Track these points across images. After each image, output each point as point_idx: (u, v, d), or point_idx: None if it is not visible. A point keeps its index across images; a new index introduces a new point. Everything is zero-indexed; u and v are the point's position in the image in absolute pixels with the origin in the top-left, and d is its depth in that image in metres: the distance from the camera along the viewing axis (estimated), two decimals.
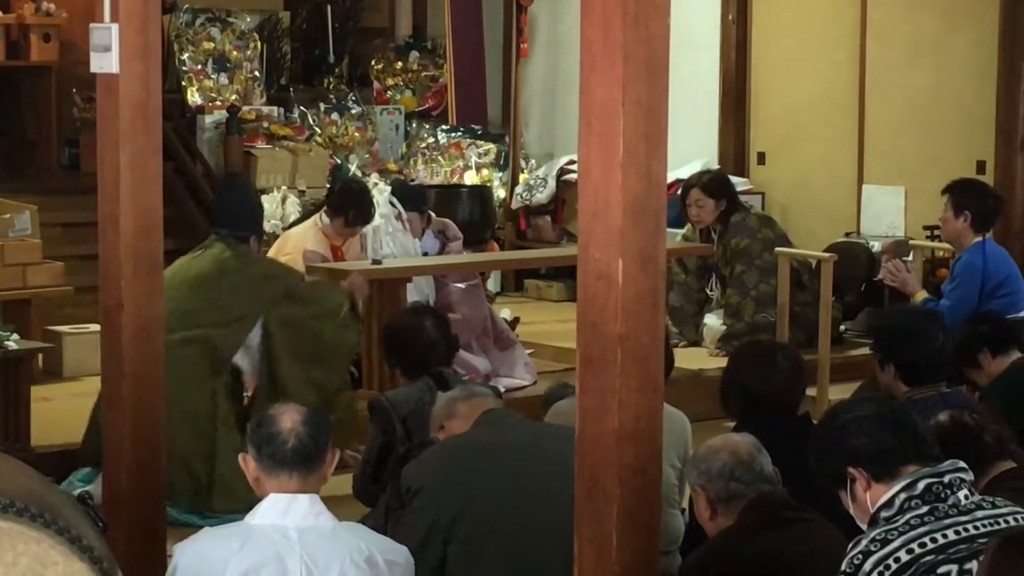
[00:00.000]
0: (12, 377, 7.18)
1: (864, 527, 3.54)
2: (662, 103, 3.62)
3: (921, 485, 3.49)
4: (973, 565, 3.34)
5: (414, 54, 12.81)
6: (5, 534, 2.96)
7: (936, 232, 8.98)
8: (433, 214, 9.14)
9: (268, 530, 3.78)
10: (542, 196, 11.84)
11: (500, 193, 11.99)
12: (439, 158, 12.04)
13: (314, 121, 11.64)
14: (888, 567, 3.36)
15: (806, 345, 8.55)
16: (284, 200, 10.36)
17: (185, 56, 11.69)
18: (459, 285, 8.55)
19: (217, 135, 11.18)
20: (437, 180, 11.86)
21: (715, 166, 10.85)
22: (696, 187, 9.39)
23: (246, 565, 3.72)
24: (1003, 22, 9.95)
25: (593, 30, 3.60)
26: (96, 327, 6.46)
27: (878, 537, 3.41)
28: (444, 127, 12.23)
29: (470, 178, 11.96)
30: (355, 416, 6.88)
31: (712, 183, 9.43)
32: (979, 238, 7.23)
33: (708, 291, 9.65)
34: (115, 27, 4.84)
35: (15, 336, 7.37)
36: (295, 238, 8.17)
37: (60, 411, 7.80)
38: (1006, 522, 3.45)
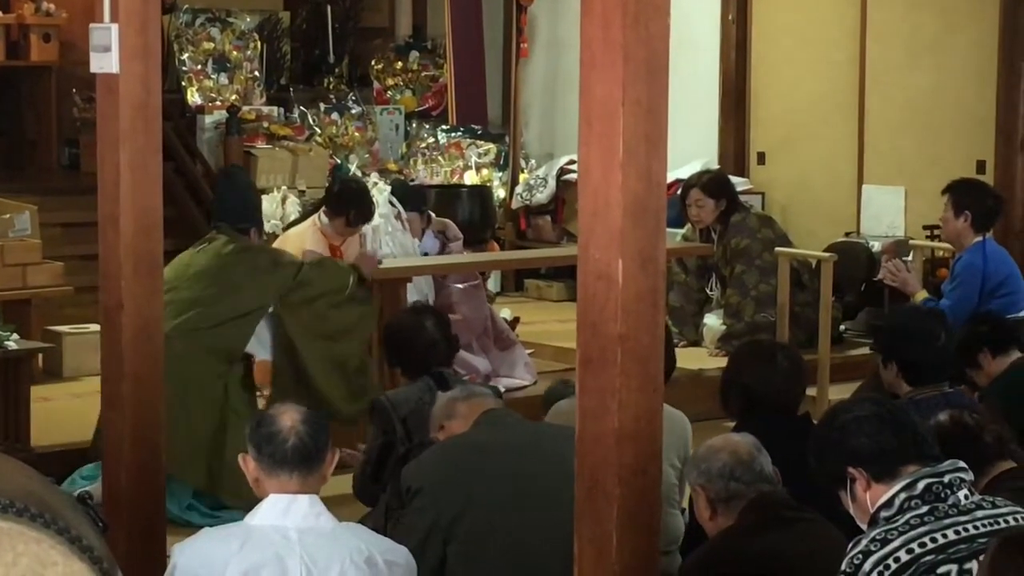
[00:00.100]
0: (12, 377, 7.18)
1: (864, 527, 3.54)
2: (662, 103, 3.62)
3: (921, 485, 3.49)
4: (973, 565, 3.34)
5: (414, 54, 12.81)
6: (5, 534, 2.96)
7: (936, 232, 8.98)
8: (433, 214, 9.13)
9: (268, 530, 3.78)
10: (542, 196, 11.84)
11: (500, 193, 11.99)
12: (439, 158, 12.04)
13: (314, 121, 11.64)
14: (888, 567, 3.36)
15: (806, 345, 8.55)
16: (284, 200, 10.35)
17: (185, 56, 11.68)
18: (459, 285, 8.56)
19: (217, 135, 11.17)
20: (437, 180, 11.86)
21: (715, 166, 10.85)
22: (696, 187, 9.39)
23: (246, 565, 3.72)
24: (1003, 22, 9.95)
25: (593, 30, 3.60)
26: (96, 327, 6.47)
27: (878, 537, 3.41)
28: (444, 127, 12.23)
29: (470, 178, 11.96)
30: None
31: (712, 183, 9.43)
32: (979, 238, 7.23)
33: (708, 291, 9.66)
34: (115, 27, 4.84)
35: (15, 336, 7.37)
36: (294, 238, 8.17)
37: (60, 411, 7.80)
38: (1006, 522, 3.45)
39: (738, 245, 9.30)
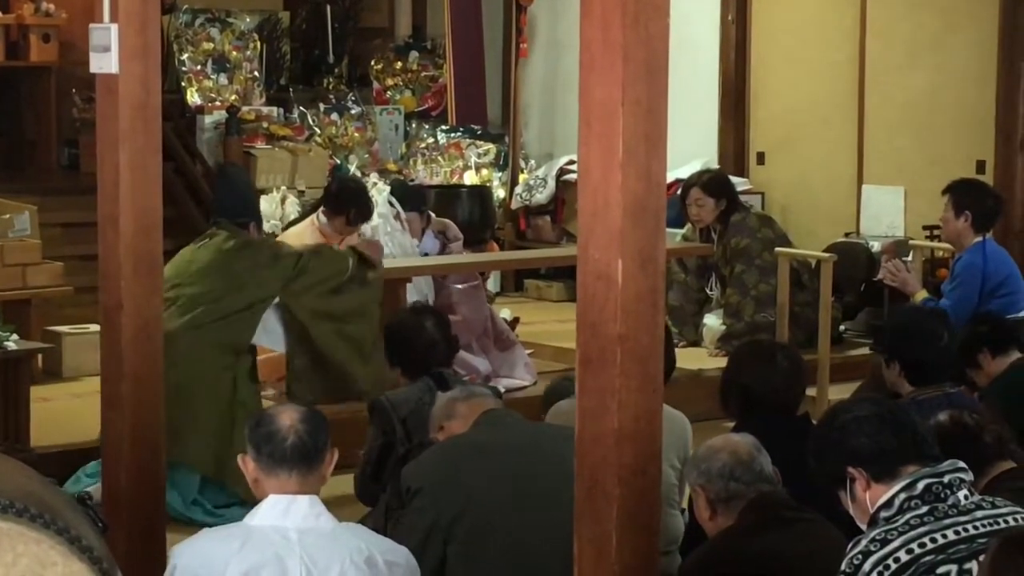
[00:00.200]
0: (12, 377, 7.18)
1: (864, 527, 3.54)
2: (662, 103, 3.62)
3: (921, 485, 3.49)
4: (973, 565, 3.34)
5: (414, 54, 12.80)
6: (5, 535, 2.96)
7: (936, 232, 8.98)
8: (433, 214, 9.13)
9: (268, 531, 3.78)
10: (542, 196, 11.84)
11: (500, 193, 11.99)
12: (439, 158, 12.04)
13: (314, 121, 11.64)
14: (888, 567, 3.36)
15: (806, 345, 8.55)
16: (284, 200, 10.35)
17: (185, 56, 11.68)
18: (459, 286, 8.55)
19: (217, 135, 11.17)
20: (437, 180, 11.86)
21: (715, 166, 10.85)
22: (696, 186, 9.39)
23: (246, 566, 3.72)
24: (1003, 22, 9.95)
25: (592, 30, 3.60)
26: (96, 327, 6.47)
27: (878, 537, 3.41)
28: (444, 127, 12.23)
29: (470, 178, 11.96)
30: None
31: (712, 182, 9.44)
32: (979, 238, 7.23)
33: (708, 291, 9.66)
34: (114, 27, 4.84)
35: (15, 336, 7.37)
36: (293, 237, 8.17)
37: (60, 411, 7.80)
38: (1006, 522, 3.45)
39: (738, 245, 9.30)
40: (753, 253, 9.26)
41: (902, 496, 3.48)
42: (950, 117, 10.26)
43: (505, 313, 9.45)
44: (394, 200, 8.77)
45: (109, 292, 4.96)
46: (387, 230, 8.53)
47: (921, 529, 3.41)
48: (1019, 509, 3.51)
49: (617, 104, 3.55)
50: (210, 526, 4.10)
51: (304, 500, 3.82)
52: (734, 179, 10.08)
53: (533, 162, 12.26)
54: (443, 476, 4.46)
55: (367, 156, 11.63)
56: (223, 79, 11.72)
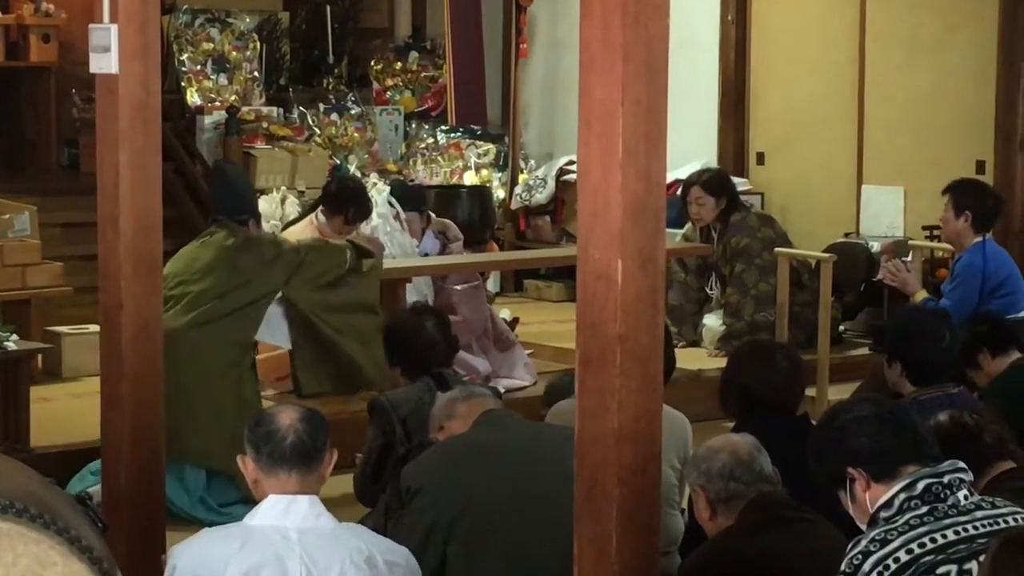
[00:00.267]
0: (12, 377, 7.18)
1: (863, 527, 3.54)
2: (661, 103, 3.62)
3: (920, 485, 3.49)
4: (973, 565, 3.34)
5: (413, 54, 12.80)
6: (5, 535, 2.96)
7: (936, 232, 8.98)
8: (433, 214, 9.13)
9: (268, 531, 3.78)
10: (542, 196, 11.84)
11: (500, 193, 11.98)
12: (438, 158, 12.04)
13: (313, 121, 11.64)
14: (887, 567, 3.36)
15: (805, 345, 8.55)
16: (283, 201, 10.35)
17: (184, 56, 11.68)
18: (459, 286, 8.55)
19: (216, 135, 11.17)
20: (436, 180, 11.86)
21: (714, 166, 10.84)
22: (696, 185, 9.40)
23: (246, 566, 3.71)
24: (1003, 22, 9.95)
25: (592, 30, 3.60)
26: (96, 327, 6.47)
27: (877, 537, 3.41)
28: (443, 127, 12.22)
29: (469, 178, 11.96)
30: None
31: (712, 181, 9.45)
32: (979, 238, 7.23)
33: (708, 290, 9.66)
34: (114, 27, 4.84)
35: (15, 336, 7.37)
36: (291, 236, 8.16)
37: (60, 411, 7.80)
38: (1005, 522, 3.45)
39: (738, 244, 9.30)
40: (753, 252, 9.26)
41: (902, 496, 3.48)
42: (950, 117, 10.26)
43: (505, 313, 9.45)
44: (394, 200, 8.77)
45: (109, 292, 4.96)
46: (387, 230, 8.53)
47: (921, 529, 3.41)
48: (1019, 509, 3.51)
49: (617, 104, 3.55)
50: (213, 524, 4.10)
51: (304, 500, 3.82)
52: (734, 179, 10.07)
53: (533, 162, 12.26)
54: (443, 476, 4.46)
55: (367, 156, 11.63)
56: (223, 79, 11.72)
